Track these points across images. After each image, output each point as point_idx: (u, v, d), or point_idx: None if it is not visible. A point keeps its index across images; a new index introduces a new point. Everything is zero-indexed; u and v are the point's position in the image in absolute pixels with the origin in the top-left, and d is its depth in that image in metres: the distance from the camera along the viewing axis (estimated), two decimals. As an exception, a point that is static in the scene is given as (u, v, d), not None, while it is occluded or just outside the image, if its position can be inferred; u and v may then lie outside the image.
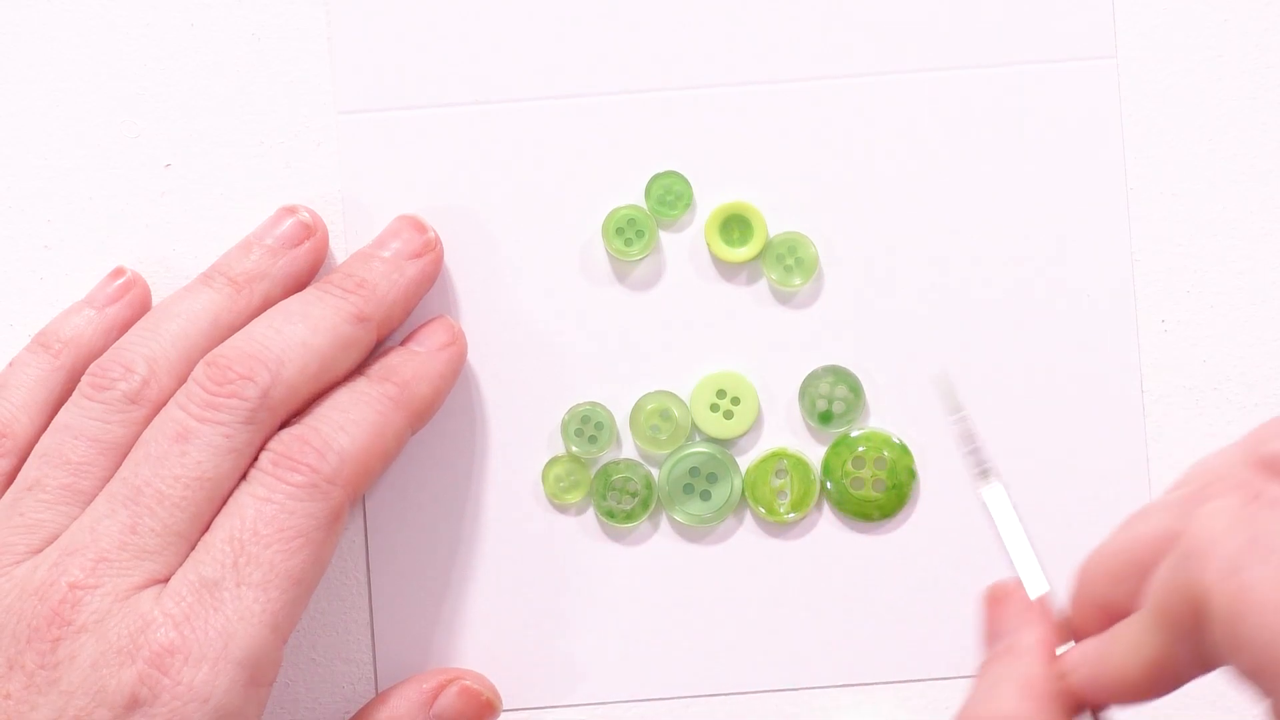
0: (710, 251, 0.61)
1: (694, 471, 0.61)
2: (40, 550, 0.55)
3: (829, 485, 0.60)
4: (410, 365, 0.58)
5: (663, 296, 0.61)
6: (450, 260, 0.61)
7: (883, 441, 0.60)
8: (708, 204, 0.61)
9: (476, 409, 0.61)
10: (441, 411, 0.61)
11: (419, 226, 0.60)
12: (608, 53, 0.61)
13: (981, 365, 0.61)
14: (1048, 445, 0.61)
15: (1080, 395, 0.61)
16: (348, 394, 0.57)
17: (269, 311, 0.57)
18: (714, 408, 0.61)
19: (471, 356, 0.61)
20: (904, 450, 0.61)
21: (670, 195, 0.61)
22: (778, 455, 0.60)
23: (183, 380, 0.56)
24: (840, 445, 0.61)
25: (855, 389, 0.61)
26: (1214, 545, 0.41)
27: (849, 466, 0.60)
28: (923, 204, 0.61)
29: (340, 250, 0.61)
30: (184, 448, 0.55)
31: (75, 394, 0.57)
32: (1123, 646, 0.45)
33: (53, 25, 0.62)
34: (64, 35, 0.62)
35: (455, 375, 0.59)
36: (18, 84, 0.62)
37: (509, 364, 0.61)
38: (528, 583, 0.61)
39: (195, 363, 0.56)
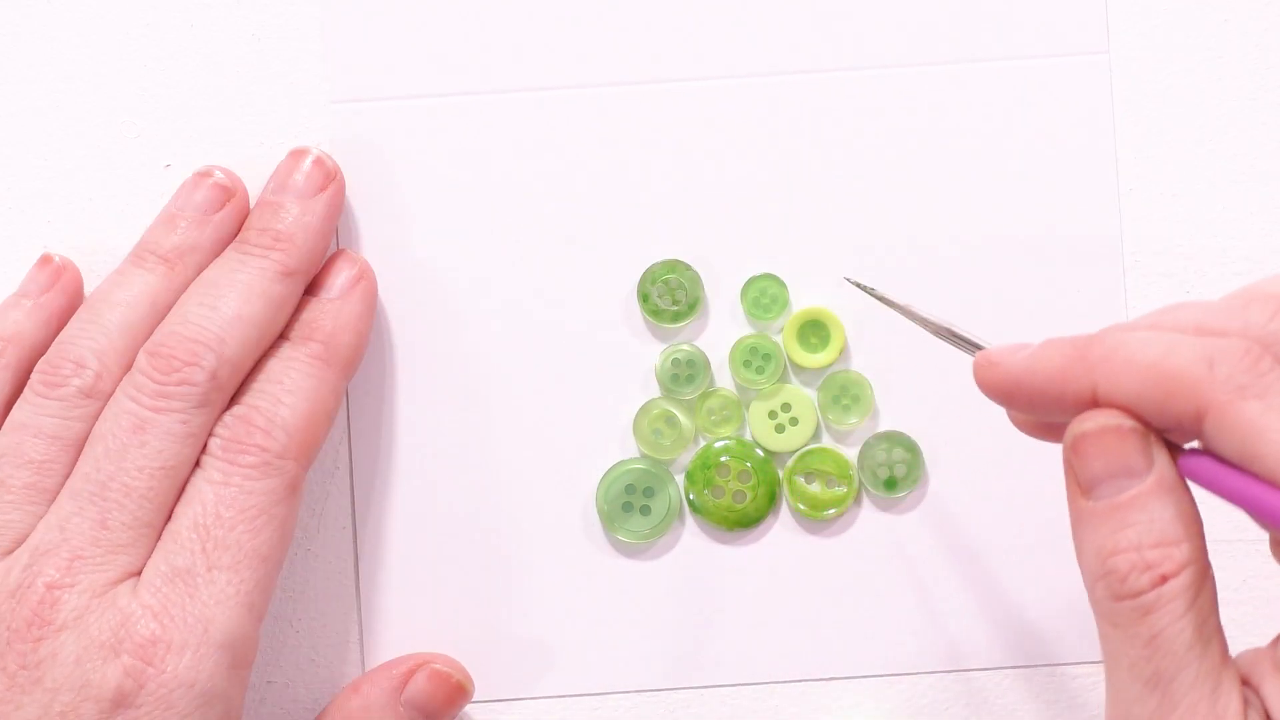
0: (789, 358, 0.61)
1: (630, 489, 0.61)
2: (10, 551, 0.55)
3: (692, 499, 0.61)
4: (328, 317, 0.58)
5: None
6: (444, 253, 0.61)
7: (747, 452, 0.61)
8: (712, 200, 0.61)
9: (471, 400, 0.61)
10: (436, 404, 0.61)
11: (317, 160, 0.60)
12: (602, 44, 0.61)
13: (969, 363, 0.61)
14: (1034, 448, 0.61)
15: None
16: (278, 364, 0.57)
17: (197, 286, 0.57)
18: (772, 415, 0.61)
19: (465, 344, 0.61)
20: (766, 459, 0.61)
21: (765, 298, 0.61)
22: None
23: (129, 368, 0.57)
24: (704, 454, 0.61)
25: (911, 449, 0.61)
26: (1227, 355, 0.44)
27: (714, 476, 0.61)
28: (911, 200, 0.61)
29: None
30: (143, 438, 0.55)
31: (27, 392, 0.57)
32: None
33: (53, 25, 0.62)
34: (64, 35, 0.62)
35: (373, 311, 0.59)
36: (18, 84, 0.62)
37: (501, 353, 0.61)
38: (518, 577, 0.61)
39: (139, 348, 0.57)
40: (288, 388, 0.57)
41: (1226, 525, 0.61)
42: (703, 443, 0.61)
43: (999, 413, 0.61)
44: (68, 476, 0.56)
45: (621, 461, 0.61)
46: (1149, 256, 0.61)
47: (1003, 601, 0.61)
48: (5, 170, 0.62)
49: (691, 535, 0.61)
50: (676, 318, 0.60)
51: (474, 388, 0.61)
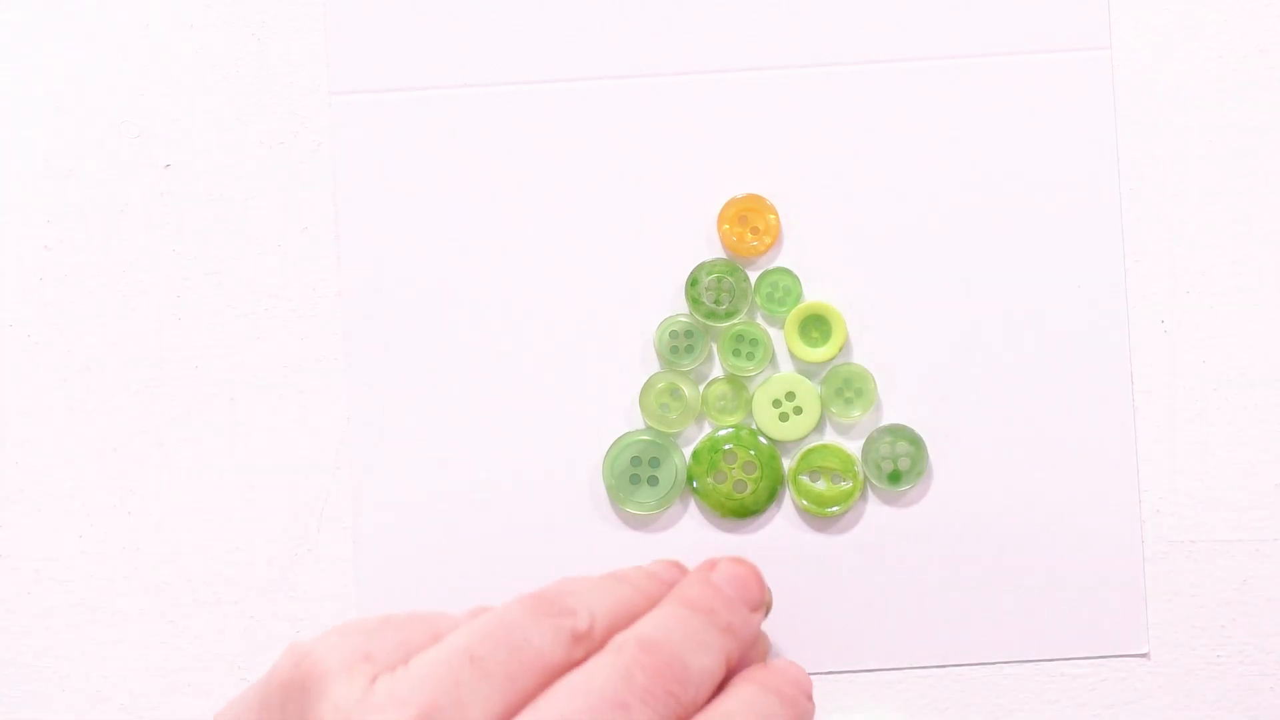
0: (790, 351, 0.61)
1: (635, 460, 0.61)
2: None
3: (695, 484, 0.61)
4: (801, 706, 0.55)
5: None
6: (443, 242, 0.61)
7: (754, 441, 0.61)
8: (710, 192, 0.61)
9: (473, 389, 0.61)
10: (437, 396, 0.61)
11: (761, 581, 0.57)
12: (604, 37, 0.61)
13: (972, 358, 0.61)
14: (1037, 442, 0.61)
15: (1071, 391, 0.61)
16: (764, 705, 0.54)
17: (679, 622, 0.54)
18: (775, 404, 0.61)
19: (465, 334, 0.61)
20: (772, 452, 0.61)
21: (779, 292, 0.61)
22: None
23: (603, 645, 0.53)
24: (712, 438, 0.61)
25: (915, 442, 0.61)
26: None
27: (719, 460, 0.61)
28: (912, 196, 0.61)
29: (330, 231, 0.61)
30: (624, 716, 0.51)
31: (516, 607, 0.53)
32: None
33: (53, 25, 0.62)
34: (64, 35, 0.62)
35: None
36: (18, 84, 0.62)
37: (502, 342, 0.61)
38: (522, 567, 0.61)
39: (614, 632, 0.54)
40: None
41: (1226, 525, 0.61)
42: (708, 422, 0.61)
43: (1002, 405, 0.61)
44: (534, 696, 0.52)
45: (626, 434, 0.61)
46: (1149, 257, 0.61)
47: (1006, 597, 0.61)
48: (5, 170, 0.62)
49: (696, 523, 0.61)
50: (728, 315, 0.61)
51: (475, 378, 0.61)
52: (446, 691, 0.50)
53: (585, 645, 0.52)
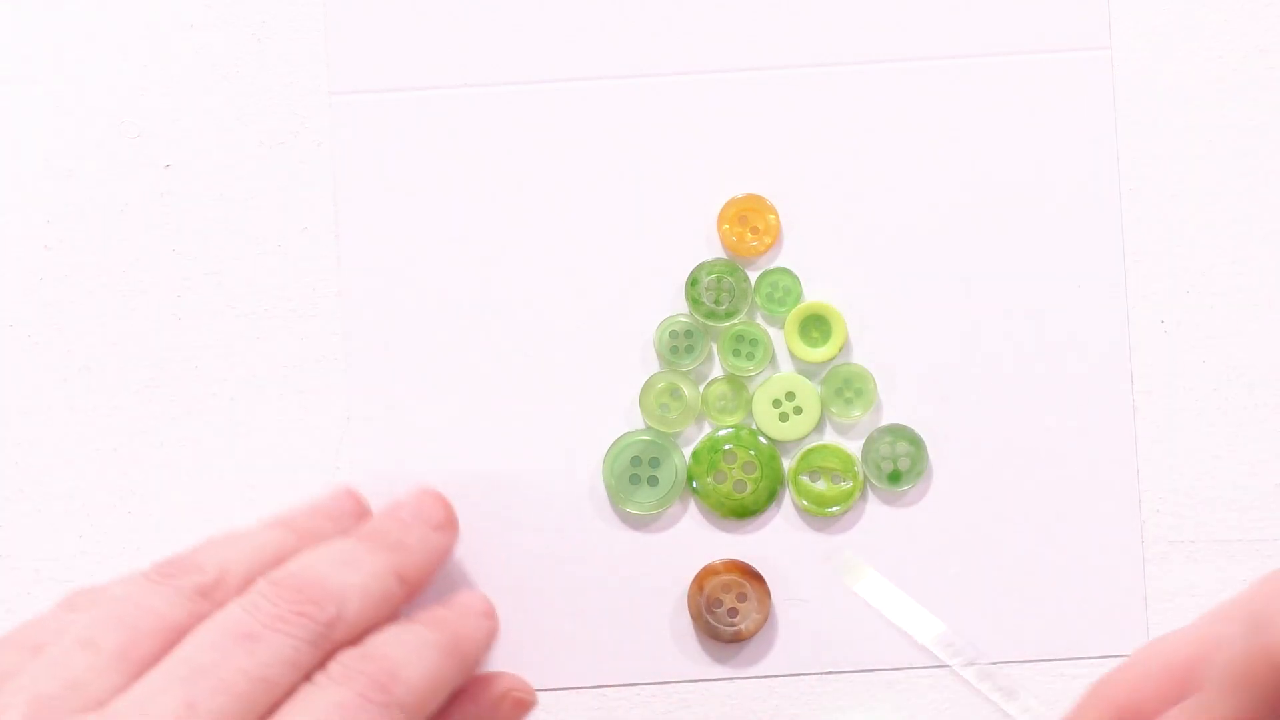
0: (790, 351, 0.61)
1: (635, 460, 0.61)
2: (82, 713, 0.50)
3: (695, 484, 0.61)
4: (464, 625, 0.55)
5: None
6: (442, 242, 0.61)
7: (753, 441, 0.61)
8: (710, 192, 0.61)
9: (472, 387, 0.61)
10: (436, 395, 0.61)
11: (444, 503, 0.58)
12: (604, 37, 0.61)
13: (972, 358, 0.61)
14: (1037, 442, 0.61)
15: (1071, 391, 0.61)
16: (406, 633, 0.54)
17: (324, 549, 0.54)
18: (775, 404, 0.61)
19: (465, 334, 0.61)
20: (772, 452, 0.61)
21: (779, 292, 0.61)
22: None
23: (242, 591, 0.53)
24: (712, 438, 0.61)
25: (915, 442, 0.61)
26: None
27: (719, 460, 0.61)
28: (912, 196, 0.61)
29: (330, 231, 0.61)
30: (252, 647, 0.50)
31: (138, 578, 0.53)
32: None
33: (53, 25, 0.62)
34: (64, 35, 0.62)
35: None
36: (18, 84, 0.62)
37: (500, 341, 0.61)
38: (522, 564, 0.61)
39: (255, 578, 0.53)
40: (418, 656, 0.53)
41: (1224, 526, 0.61)
42: (708, 423, 0.61)
43: (1002, 405, 0.61)
44: (157, 659, 0.51)
45: (626, 434, 0.61)
46: (1149, 257, 0.61)
47: (1006, 596, 0.61)
48: (5, 170, 0.62)
49: (696, 523, 0.62)
50: (728, 315, 0.61)
51: (475, 378, 0.61)
52: (57, 680, 0.49)
53: (216, 598, 0.52)
